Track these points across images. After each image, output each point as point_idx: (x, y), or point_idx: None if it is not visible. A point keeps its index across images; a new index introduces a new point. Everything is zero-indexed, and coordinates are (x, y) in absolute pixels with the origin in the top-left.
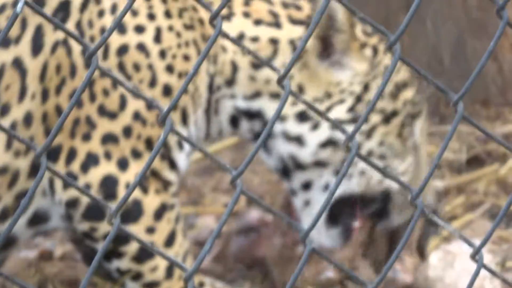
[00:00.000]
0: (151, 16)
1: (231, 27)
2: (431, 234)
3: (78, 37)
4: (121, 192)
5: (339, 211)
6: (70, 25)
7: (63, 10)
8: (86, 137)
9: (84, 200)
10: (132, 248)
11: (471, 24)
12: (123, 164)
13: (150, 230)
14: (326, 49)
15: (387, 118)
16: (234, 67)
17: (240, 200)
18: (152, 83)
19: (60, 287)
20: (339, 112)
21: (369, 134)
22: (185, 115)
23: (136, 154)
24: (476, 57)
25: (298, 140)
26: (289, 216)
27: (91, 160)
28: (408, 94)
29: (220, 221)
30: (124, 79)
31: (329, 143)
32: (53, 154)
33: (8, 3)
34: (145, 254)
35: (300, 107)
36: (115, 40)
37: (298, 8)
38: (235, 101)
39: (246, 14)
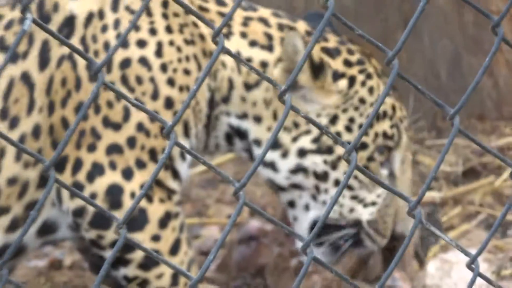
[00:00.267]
0: (153, 31)
1: (229, 46)
2: (430, 243)
3: (84, 53)
4: (126, 200)
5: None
6: (75, 39)
7: (68, 25)
8: (92, 148)
9: (91, 209)
10: (138, 255)
11: (467, 41)
12: (128, 174)
13: (155, 238)
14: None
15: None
16: (231, 85)
17: (243, 211)
18: (155, 95)
19: None
20: (305, 142)
21: (334, 165)
22: (187, 127)
23: (141, 164)
24: (472, 72)
25: (272, 166)
26: (290, 226)
27: (96, 170)
28: (381, 127)
29: (223, 231)
30: (127, 91)
31: (299, 169)
32: (59, 164)
33: (15, 19)
34: (151, 261)
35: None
36: (118, 54)
37: (293, 30)
38: (229, 118)
39: (244, 35)
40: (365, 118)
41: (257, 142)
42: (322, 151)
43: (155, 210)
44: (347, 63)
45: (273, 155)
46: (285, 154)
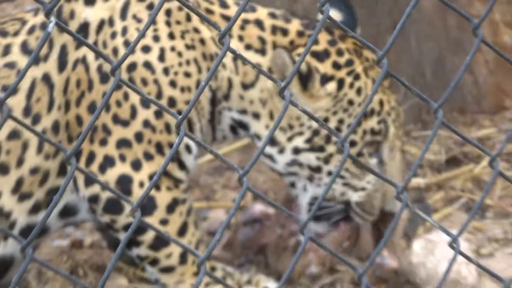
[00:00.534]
0: (156, 38)
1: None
2: (418, 224)
3: (103, 54)
4: (135, 189)
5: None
6: None
7: (83, 31)
8: (103, 142)
9: (104, 196)
10: (148, 237)
11: (450, 42)
12: (136, 165)
13: (164, 222)
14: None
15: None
16: (230, 84)
17: (247, 195)
18: (159, 96)
19: (90, 271)
20: (298, 142)
21: (326, 160)
22: (190, 123)
23: (148, 156)
24: (454, 71)
25: (271, 158)
26: (289, 209)
27: (108, 162)
28: (369, 124)
29: (229, 214)
30: (133, 92)
31: (294, 163)
32: (75, 156)
33: (37, 24)
34: (160, 242)
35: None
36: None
37: (284, 32)
38: (232, 113)
39: (241, 38)
40: (354, 118)
41: (257, 136)
42: (315, 150)
43: (163, 197)
44: (336, 66)
45: (271, 150)
46: (281, 151)
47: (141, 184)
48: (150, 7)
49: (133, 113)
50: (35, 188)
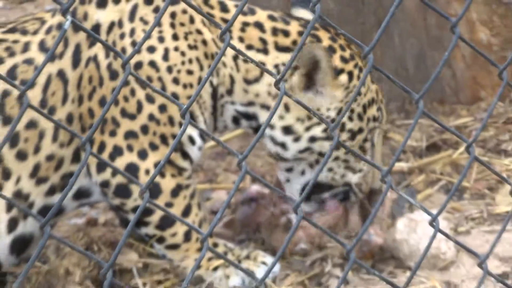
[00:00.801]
0: (161, 39)
1: (229, 48)
2: (403, 207)
3: (115, 49)
4: (142, 176)
5: (310, 191)
6: (99, 44)
7: (95, 32)
8: (113, 133)
9: (114, 182)
10: (155, 218)
11: (430, 39)
12: (143, 155)
13: (169, 205)
14: (309, 83)
15: (353, 135)
16: (232, 80)
17: (246, 178)
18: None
19: (103, 247)
20: (316, 131)
21: (337, 147)
22: (192, 116)
23: (153, 147)
24: (434, 65)
25: (283, 145)
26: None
27: (116, 151)
28: (371, 112)
29: (229, 195)
30: (139, 88)
31: (307, 150)
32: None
33: (54, 25)
34: (166, 223)
35: (286, 122)
36: (133, 58)
37: (286, 34)
38: (235, 106)
39: (241, 39)
40: (361, 107)
41: (268, 126)
42: (330, 138)
43: (167, 183)
44: (343, 59)
45: (285, 138)
46: (297, 139)
47: (147, 172)
48: (156, 10)
49: (139, 107)
50: (50, 173)
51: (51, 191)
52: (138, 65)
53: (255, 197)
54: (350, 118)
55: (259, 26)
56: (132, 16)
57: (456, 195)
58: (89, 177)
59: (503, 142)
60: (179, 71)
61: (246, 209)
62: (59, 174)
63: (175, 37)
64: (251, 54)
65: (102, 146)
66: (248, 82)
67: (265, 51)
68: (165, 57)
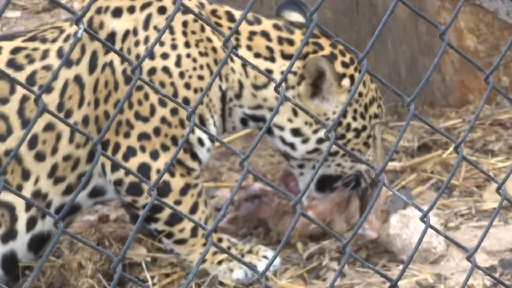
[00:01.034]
0: (174, 46)
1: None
2: (399, 205)
3: (125, 56)
4: (153, 175)
5: (324, 184)
6: None
7: (110, 39)
8: (127, 135)
9: (127, 180)
10: (164, 215)
11: (421, 46)
12: (154, 155)
13: (177, 202)
14: (315, 90)
15: (358, 133)
16: (241, 85)
17: (248, 177)
18: (174, 96)
19: (114, 242)
20: (323, 134)
21: (344, 145)
22: (202, 119)
23: (165, 148)
24: (425, 70)
25: (292, 146)
26: (285, 184)
27: (130, 152)
28: (372, 109)
29: (232, 192)
30: (152, 92)
31: (315, 151)
32: (103, 146)
33: (72, 33)
34: (174, 219)
35: (294, 125)
36: (147, 64)
37: (291, 43)
38: (243, 109)
39: (249, 47)
40: (363, 107)
41: (278, 127)
42: (337, 138)
43: (177, 182)
44: (344, 64)
45: (294, 140)
46: (305, 141)
47: (158, 171)
48: None
49: (152, 111)
50: (67, 173)
51: (68, 190)
52: (152, 71)
53: (258, 194)
54: (354, 118)
55: (265, 35)
56: (146, 24)
57: (446, 192)
58: (103, 176)
59: (489, 143)
60: (190, 77)
61: (249, 206)
62: (75, 174)
63: (187, 44)
64: (259, 62)
65: (117, 147)
66: (256, 87)
67: (272, 59)
68: (178, 63)
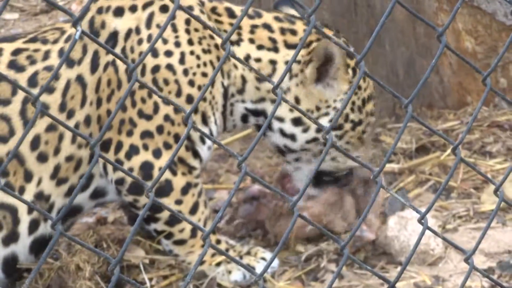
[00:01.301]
0: (177, 44)
1: (240, 50)
2: (396, 207)
3: (123, 58)
4: (156, 174)
5: (319, 180)
6: (117, 50)
7: (113, 39)
8: (130, 133)
9: (128, 180)
10: (164, 215)
11: (419, 47)
12: (157, 153)
13: (178, 202)
14: (320, 75)
15: (354, 126)
16: (244, 80)
17: (246, 178)
18: (178, 93)
19: (112, 244)
20: (324, 122)
21: (341, 136)
22: (204, 117)
23: (168, 146)
24: (423, 72)
25: (292, 137)
26: (282, 184)
27: (133, 150)
28: (369, 107)
29: (230, 194)
30: (156, 90)
31: (314, 140)
32: (106, 145)
33: (72, 34)
34: (174, 219)
35: (296, 114)
36: (151, 62)
37: (293, 32)
38: (245, 104)
39: (252, 40)
40: (361, 101)
41: (279, 119)
42: (336, 128)
43: (178, 181)
44: (348, 56)
45: (295, 130)
46: (306, 130)
47: (161, 169)
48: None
49: (156, 109)
50: (70, 174)
51: (70, 192)
52: (156, 68)
53: (256, 195)
54: (352, 110)
55: (267, 27)
56: (148, 23)
57: (444, 194)
58: (105, 176)
59: (487, 144)
60: (194, 74)
61: (248, 207)
62: (78, 175)
63: (190, 42)
64: (263, 53)
65: (119, 146)
66: (260, 80)
67: (275, 50)
68: (181, 60)
